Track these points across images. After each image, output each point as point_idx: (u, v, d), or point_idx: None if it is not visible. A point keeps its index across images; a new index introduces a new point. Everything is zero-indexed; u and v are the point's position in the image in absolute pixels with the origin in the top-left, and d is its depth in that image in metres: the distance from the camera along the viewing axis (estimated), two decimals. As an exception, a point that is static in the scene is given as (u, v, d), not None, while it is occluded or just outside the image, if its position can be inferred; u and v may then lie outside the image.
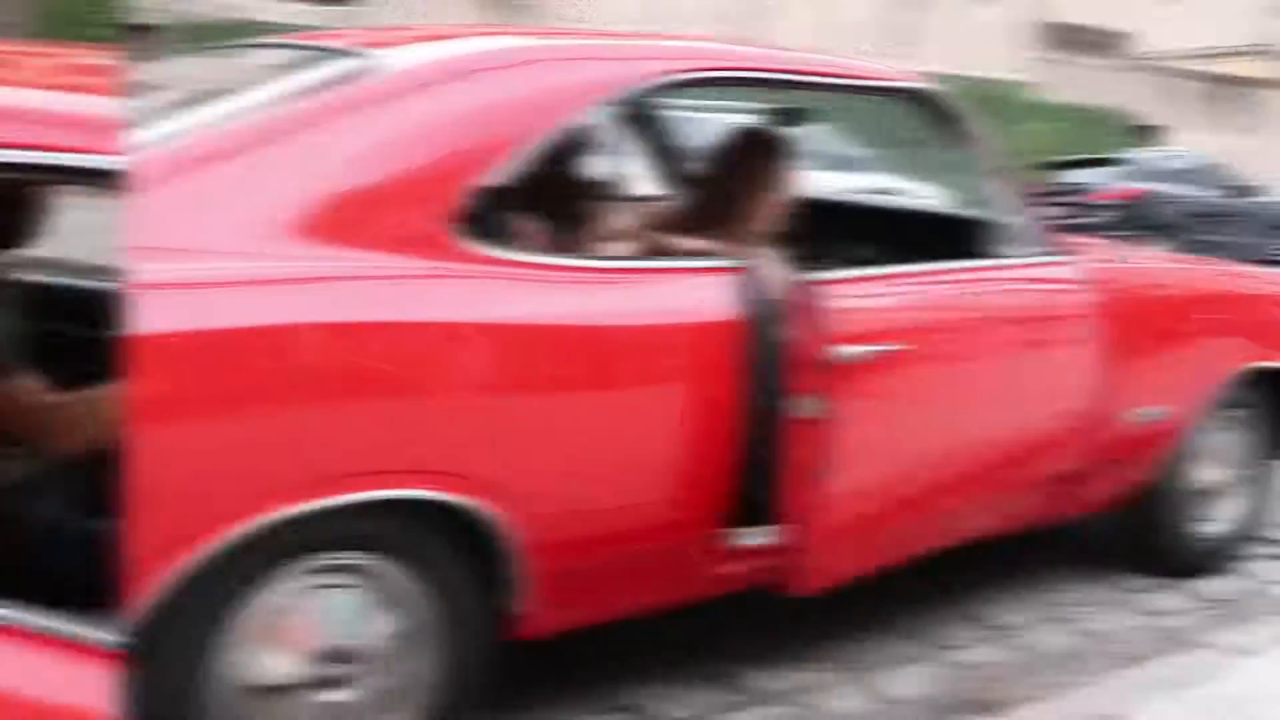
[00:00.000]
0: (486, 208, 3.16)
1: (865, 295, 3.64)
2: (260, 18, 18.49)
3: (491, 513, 3.01)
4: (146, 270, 2.53)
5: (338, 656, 2.96)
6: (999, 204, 4.26)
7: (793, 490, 3.46)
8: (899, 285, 3.88)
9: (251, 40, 4.20)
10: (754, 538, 3.66)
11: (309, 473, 2.77)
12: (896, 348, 3.60)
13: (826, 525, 3.51)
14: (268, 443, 2.72)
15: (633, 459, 3.31)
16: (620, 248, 3.74)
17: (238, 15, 18.46)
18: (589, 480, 3.24)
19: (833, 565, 3.61)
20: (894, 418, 3.67)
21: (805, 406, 3.40)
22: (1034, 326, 4.19)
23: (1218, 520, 5.03)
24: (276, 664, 2.88)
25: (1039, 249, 4.24)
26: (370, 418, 2.84)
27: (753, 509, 3.65)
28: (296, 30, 14.51)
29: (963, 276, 4.05)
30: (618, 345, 3.25)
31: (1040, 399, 4.20)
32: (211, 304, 2.66)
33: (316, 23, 19.25)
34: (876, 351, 3.52)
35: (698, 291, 3.43)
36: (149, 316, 2.50)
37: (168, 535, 2.60)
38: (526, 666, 3.66)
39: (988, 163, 4.18)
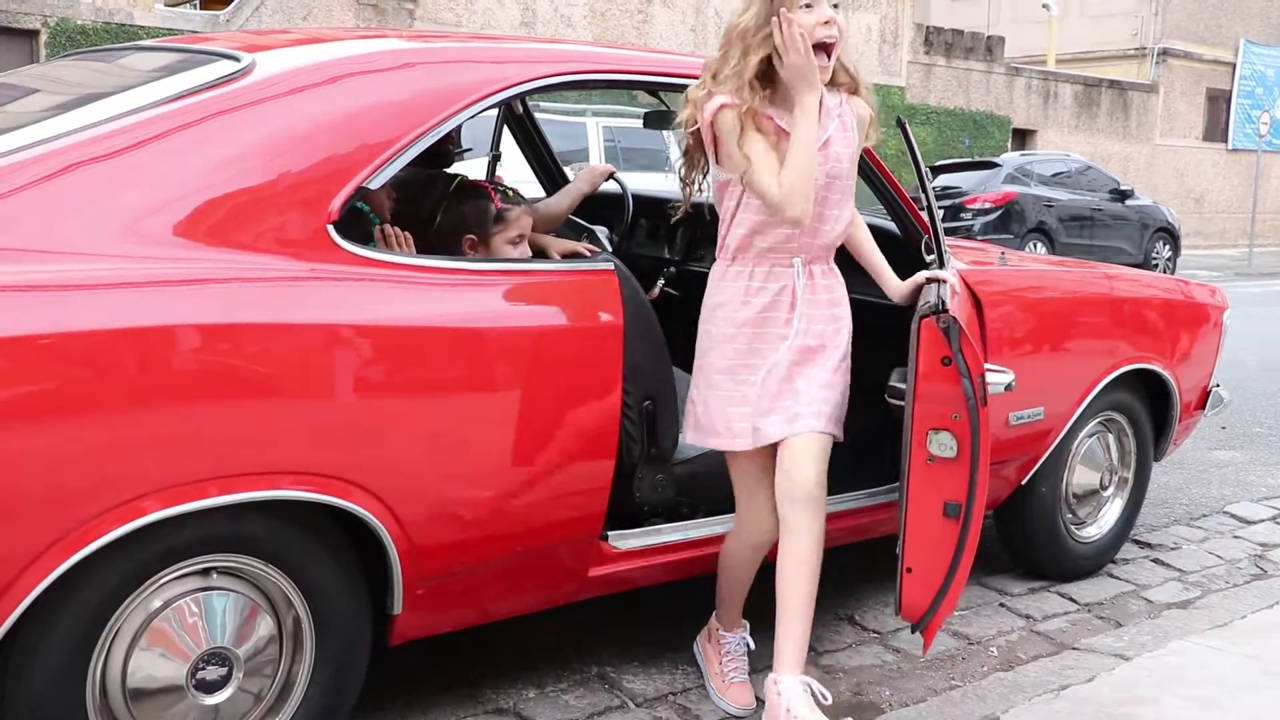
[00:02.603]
0: (363, 210, 3.12)
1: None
2: (140, 22, 18.18)
3: (369, 515, 3.02)
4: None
5: (217, 659, 2.96)
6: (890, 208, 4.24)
7: (935, 532, 3.45)
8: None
9: (130, 44, 4.13)
10: (632, 540, 3.68)
11: (184, 475, 2.75)
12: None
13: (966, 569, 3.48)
14: (141, 446, 2.70)
15: (511, 462, 3.29)
16: (498, 249, 3.73)
17: (119, 20, 18.13)
18: (468, 483, 3.23)
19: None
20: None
21: (945, 442, 3.39)
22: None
23: (1095, 524, 5.07)
24: (157, 667, 2.87)
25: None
26: (247, 419, 2.84)
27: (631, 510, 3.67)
28: (176, 35, 14.35)
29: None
30: (496, 347, 3.23)
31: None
32: (73, 306, 2.64)
33: (196, 27, 18.99)
34: (1013, 379, 3.57)
35: (575, 293, 3.43)
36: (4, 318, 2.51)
37: (38, 539, 2.59)
38: (402, 667, 3.67)
39: (875, 166, 4.14)
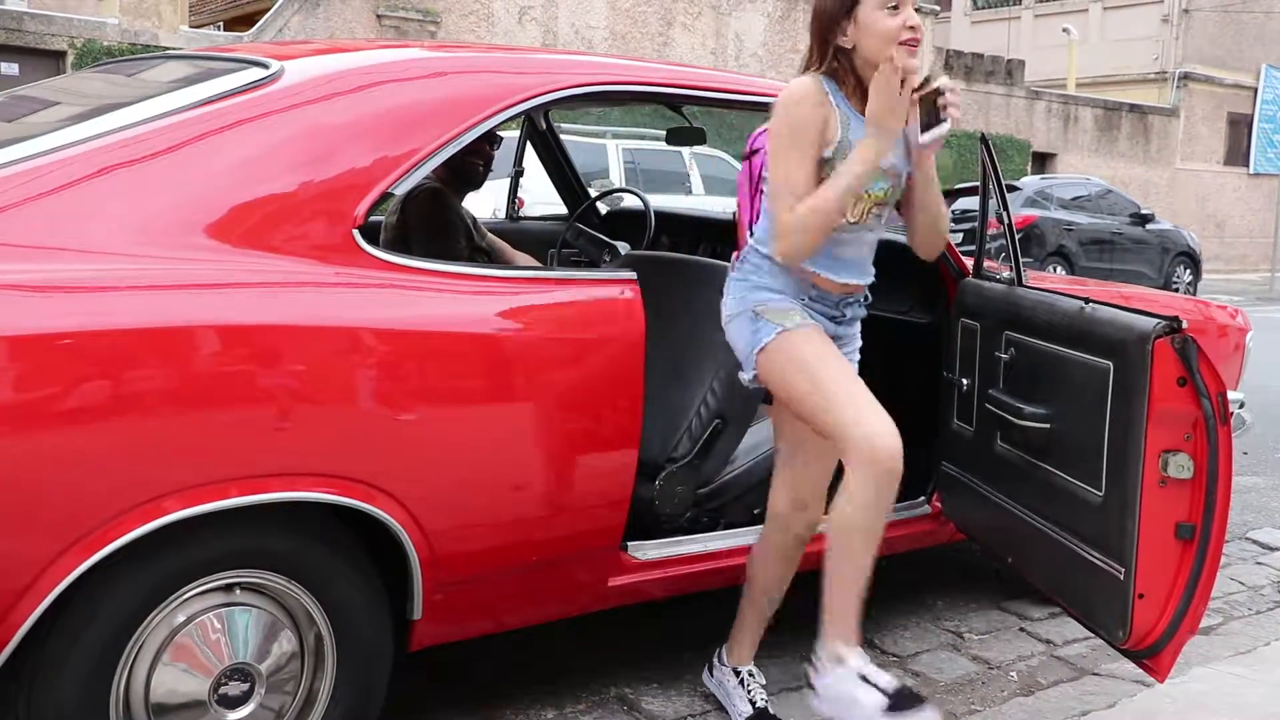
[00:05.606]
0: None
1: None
2: (165, 43, 18.31)
3: (391, 519, 3.01)
4: (23, 270, 2.58)
5: (240, 675, 2.96)
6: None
7: (1169, 555, 3.31)
8: None
9: (158, 53, 4.17)
10: (652, 550, 3.69)
11: (206, 476, 2.75)
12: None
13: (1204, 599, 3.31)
14: (164, 446, 2.69)
15: (532, 469, 3.29)
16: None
17: (144, 40, 18.25)
18: (489, 489, 3.23)
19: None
20: None
21: (1183, 464, 3.24)
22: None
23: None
24: (180, 682, 2.87)
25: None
26: (270, 421, 2.83)
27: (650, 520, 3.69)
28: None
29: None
30: (518, 353, 3.24)
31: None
32: (99, 306, 2.65)
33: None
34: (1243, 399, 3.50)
35: (598, 301, 3.43)
36: (23, 316, 2.53)
37: (59, 539, 2.59)
38: (422, 688, 3.71)
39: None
